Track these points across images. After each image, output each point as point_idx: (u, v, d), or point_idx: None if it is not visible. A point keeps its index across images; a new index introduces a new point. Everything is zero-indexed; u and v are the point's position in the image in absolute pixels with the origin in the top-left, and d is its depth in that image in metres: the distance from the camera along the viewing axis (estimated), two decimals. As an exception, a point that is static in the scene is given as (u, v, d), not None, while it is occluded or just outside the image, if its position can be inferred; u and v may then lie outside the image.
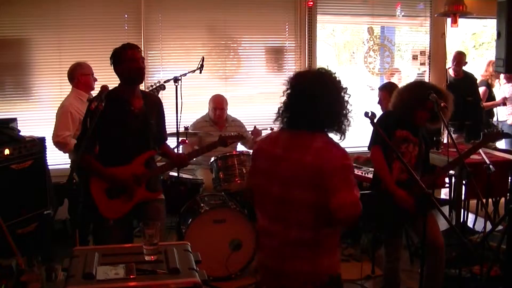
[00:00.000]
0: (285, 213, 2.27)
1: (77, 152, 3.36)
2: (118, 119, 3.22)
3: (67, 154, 4.53)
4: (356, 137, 3.58)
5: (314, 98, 2.23)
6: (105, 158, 3.29)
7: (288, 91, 2.32)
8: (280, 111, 2.35)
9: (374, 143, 3.42)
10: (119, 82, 3.36)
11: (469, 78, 6.60)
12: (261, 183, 2.36)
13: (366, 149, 3.57)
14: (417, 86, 3.49)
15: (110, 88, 3.12)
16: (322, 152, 2.20)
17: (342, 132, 2.30)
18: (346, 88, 2.31)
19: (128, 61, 3.21)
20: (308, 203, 2.21)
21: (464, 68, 6.60)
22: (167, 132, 4.47)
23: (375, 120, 2.72)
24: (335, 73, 2.33)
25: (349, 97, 2.31)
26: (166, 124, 3.62)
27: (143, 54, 3.37)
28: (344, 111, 2.29)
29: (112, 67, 3.29)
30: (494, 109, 6.89)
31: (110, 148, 3.30)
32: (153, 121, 3.37)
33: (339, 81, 2.31)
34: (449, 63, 6.60)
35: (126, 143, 3.28)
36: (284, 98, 2.34)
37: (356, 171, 4.79)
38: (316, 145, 2.23)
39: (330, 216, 2.18)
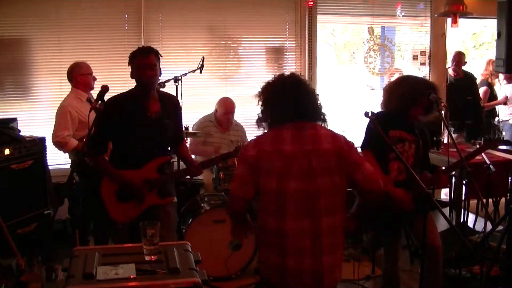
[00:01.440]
0: (312, 205, 2.35)
1: (88, 151, 3.32)
2: (134, 123, 3.18)
3: (67, 154, 4.53)
4: (357, 137, 3.57)
5: (306, 91, 2.46)
6: (118, 161, 3.27)
7: (274, 91, 2.47)
8: (263, 112, 2.48)
9: (365, 147, 3.41)
10: (119, 81, 3.35)
11: (469, 78, 6.60)
12: (274, 185, 2.36)
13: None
14: (407, 84, 3.39)
15: (110, 88, 3.11)
16: (333, 138, 2.43)
17: (326, 121, 2.52)
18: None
19: (136, 69, 3.19)
20: (337, 186, 2.38)
21: (464, 68, 6.60)
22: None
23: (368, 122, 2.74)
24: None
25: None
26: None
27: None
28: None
29: None
30: (497, 109, 6.89)
31: (124, 151, 3.27)
32: (169, 124, 3.31)
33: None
34: (448, 63, 6.60)
35: (140, 147, 3.23)
36: (268, 100, 2.47)
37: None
38: (324, 132, 2.44)
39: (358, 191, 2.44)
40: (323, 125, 2.50)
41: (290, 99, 2.41)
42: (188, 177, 4.19)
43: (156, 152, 3.30)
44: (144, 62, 3.16)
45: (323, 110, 2.51)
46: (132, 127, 3.19)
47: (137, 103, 3.21)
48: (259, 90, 2.53)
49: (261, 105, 2.50)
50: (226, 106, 5.10)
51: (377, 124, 2.74)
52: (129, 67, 3.25)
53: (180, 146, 3.57)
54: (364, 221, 3.53)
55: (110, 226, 3.33)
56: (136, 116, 3.19)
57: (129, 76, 3.27)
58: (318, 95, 2.53)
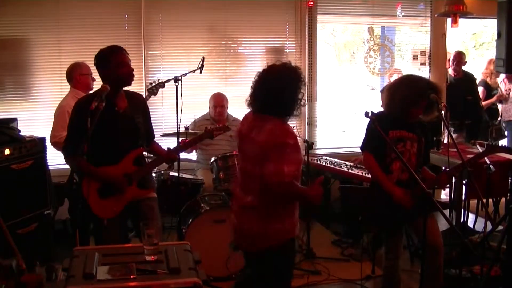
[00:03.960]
0: (245, 183, 2.80)
1: (66, 153, 3.36)
2: (104, 119, 3.18)
3: (66, 154, 4.53)
4: (358, 137, 3.58)
5: (265, 85, 2.70)
6: (94, 158, 3.26)
7: (254, 79, 2.80)
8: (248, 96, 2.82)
9: (365, 148, 3.42)
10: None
11: (469, 77, 6.60)
12: (238, 157, 2.97)
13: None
14: (408, 84, 3.38)
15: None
16: (270, 132, 2.64)
17: (289, 115, 2.72)
18: (300, 80, 2.72)
19: (119, 66, 3.21)
20: (256, 175, 2.65)
21: (464, 68, 6.60)
22: (168, 133, 4.49)
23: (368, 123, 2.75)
24: (295, 67, 2.77)
25: (302, 87, 2.73)
26: (154, 122, 3.66)
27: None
28: (294, 98, 2.69)
29: (97, 68, 3.29)
30: (499, 110, 6.87)
31: (99, 149, 3.26)
32: (139, 120, 3.38)
33: (294, 73, 2.73)
34: (448, 63, 6.59)
35: (114, 143, 3.28)
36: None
37: (356, 171, 4.79)
38: (268, 127, 2.65)
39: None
40: (284, 120, 2.71)
41: (252, 92, 2.78)
42: (181, 175, 4.23)
43: (130, 146, 3.35)
44: (127, 58, 3.26)
45: (285, 106, 2.69)
46: (103, 124, 3.18)
47: (106, 100, 3.18)
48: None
49: None
50: (215, 100, 5.15)
51: (377, 125, 2.74)
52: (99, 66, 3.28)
53: (152, 144, 3.63)
54: (365, 220, 3.55)
55: (96, 224, 3.35)
56: (106, 113, 3.18)
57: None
58: (284, 89, 2.68)
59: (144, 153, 3.62)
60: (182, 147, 3.80)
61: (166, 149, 3.61)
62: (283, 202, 2.72)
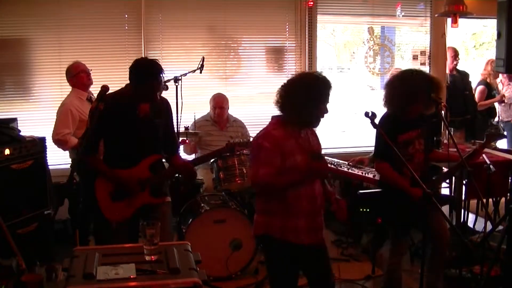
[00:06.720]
0: None
1: (81, 151, 3.35)
2: (124, 122, 3.19)
3: (67, 154, 4.54)
4: (358, 137, 3.57)
5: None
6: (110, 161, 3.27)
7: None
8: None
9: (378, 155, 3.37)
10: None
11: (463, 74, 6.61)
12: None
13: (367, 148, 3.54)
14: (408, 82, 3.30)
15: (110, 88, 3.10)
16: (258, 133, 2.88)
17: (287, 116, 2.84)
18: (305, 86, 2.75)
19: (150, 87, 3.14)
20: None
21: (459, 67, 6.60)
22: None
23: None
24: (312, 75, 2.85)
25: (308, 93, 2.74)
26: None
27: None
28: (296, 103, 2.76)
29: (129, 74, 3.18)
30: (497, 109, 6.87)
31: (116, 151, 3.27)
32: (159, 125, 3.33)
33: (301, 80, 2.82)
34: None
35: (131, 146, 3.24)
36: None
37: (356, 171, 4.78)
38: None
39: None
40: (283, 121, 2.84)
41: None
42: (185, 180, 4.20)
43: (148, 151, 3.30)
44: (161, 86, 3.23)
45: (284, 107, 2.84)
46: (122, 126, 3.20)
47: (128, 102, 3.21)
48: None
49: None
50: (216, 101, 5.13)
51: (382, 130, 2.73)
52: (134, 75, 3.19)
53: (175, 158, 3.52)
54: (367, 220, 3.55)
55: (105, 226, 3.34)
56: (126, 115, 3.19)
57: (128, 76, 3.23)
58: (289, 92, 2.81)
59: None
60: (201, 158, 3.78)
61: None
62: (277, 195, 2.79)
